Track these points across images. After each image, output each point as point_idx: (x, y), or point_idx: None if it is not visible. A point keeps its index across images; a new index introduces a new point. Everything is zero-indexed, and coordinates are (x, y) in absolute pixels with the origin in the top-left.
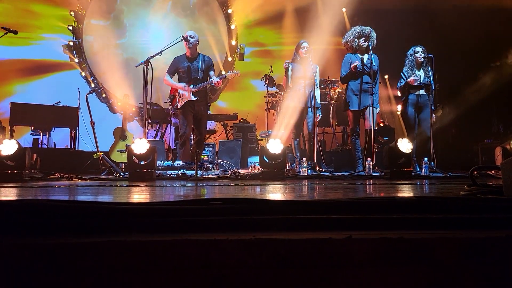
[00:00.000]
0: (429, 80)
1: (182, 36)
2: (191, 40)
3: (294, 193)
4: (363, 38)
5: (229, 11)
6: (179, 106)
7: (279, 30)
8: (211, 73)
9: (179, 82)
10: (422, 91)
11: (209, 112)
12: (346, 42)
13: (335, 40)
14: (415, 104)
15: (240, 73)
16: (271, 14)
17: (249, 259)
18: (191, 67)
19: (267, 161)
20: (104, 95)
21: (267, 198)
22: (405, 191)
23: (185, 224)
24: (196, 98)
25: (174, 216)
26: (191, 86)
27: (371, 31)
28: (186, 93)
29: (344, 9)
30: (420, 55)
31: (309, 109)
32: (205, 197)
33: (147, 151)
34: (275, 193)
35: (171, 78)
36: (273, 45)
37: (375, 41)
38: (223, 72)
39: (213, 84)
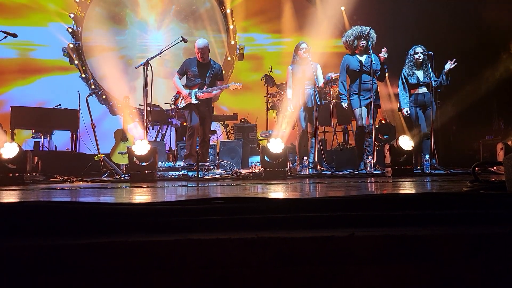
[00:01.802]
0: (429, 80)
1: (182, 37)
2: (203, 50)
3: (296, 191)
4: (363, 39)
5: (228, 11)
6: (179, 107)
7: (279, 29)
8: (218, 82)
9: (187, 83)
10: (423, 90)
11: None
12: (345, 42)
13: (335, 39)
14: (415, 103)
15: (240, 72)
16: (270, 13)
17: (252, 258)
18: (199, 72)
19: (268, 160)
20: (104, 97)
21: (269, 197)
22: (407, 188)
23: (187, 224)
24: (197, 102)
25: (175, 216)
26: (195, 90)
27: (370, 30)
28: (189, 97)
29: (343, 8)
30: (420, 56)
31: (311, 108)
32: (207, 197)
33: (148, 152)
34: (277, 192)
35: (180, 79)
36: (272, 44)
37: (375, 41)
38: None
39: (200, 94)
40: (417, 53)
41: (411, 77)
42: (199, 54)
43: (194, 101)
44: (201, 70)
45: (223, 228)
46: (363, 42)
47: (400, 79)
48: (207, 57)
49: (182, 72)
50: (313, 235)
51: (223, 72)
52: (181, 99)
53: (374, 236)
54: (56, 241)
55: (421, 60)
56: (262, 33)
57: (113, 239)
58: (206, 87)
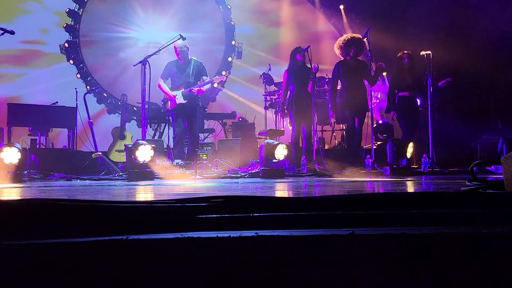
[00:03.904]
0: (417, 84)
1: (180, 35)
2: (182, 49)
3: (295, 190)
4: (354, 46)
5: (227, 8)
6: (170, 109)
7: (277, 27)
8: (203, 77)
9: (171, 85)
10: (410, 94)
11: (206, 110)
12: (338, 48)
13: (332, 37)
14: (403, 106)
15: (238, 70)
16: (269, 11)
17: (252, 257)
18: (182, 71)
19: (267, 159)
20: (102, 95)
21: (269, 196)
22: (406, 187)
23: (186, 222)
24: (186, 101)
25: (175, 215)
26: (182, 90)
27: (363, 37)
28: (177, 98)
29: (341, 6)
30: (406, 61)
31: (308, 109)
32: (206, 195)
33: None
34: (276, 190)
35: (165, 82)
36: (271, 42)
37: (368, 47)
38: (223, 73)
39: (186, 92)
40: (403, 58)
41: (400, 80)
42: (178, 54)
43: (182, 101)
44: (184, 70)
45: (223, 227)
46: (355, 49)
47: (389, 83)
48: (187, 56)
49: (166, 76)
50: (313, 234)
51: (205, 68)
52: (170, 102)
53: (374, 235)
54: (56, 240)
55: (408, 64)
56: (261, 31)
57: (112, 237)
58: (191, 85)
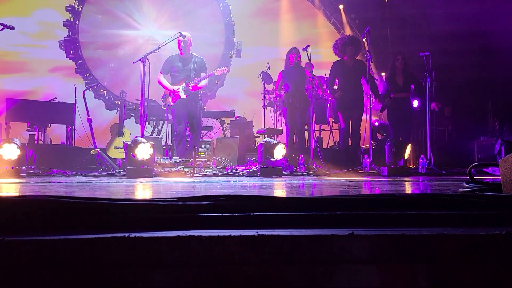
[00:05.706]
0: (408, 85)
1: (180, 32)
2: (184, 40)
3: (293, 189)
4: (350, 46)
5: (227, 6)
6: (172, 104)
7: (277, 26)
8: (203, 74)
9: (171, 80)
10: (402, 95)
11: (204, 108)
12: (335, 49)
13: (332, 36)
14: (395, 107)
15: (237, 69)
16: (269, 10)
17: (252, 256)
18: (183, 66)
19: (265, 158)
20: (101, 92)
21: (269, 195)
22: (405, 188)
23: (188, 221)
24: (186, 96)
25: (177, 213)
26: (182, 85)
27: (362, 37)
28: (179, 92)
29: (341, 6)
30: (400, 62)
31: (305, 108)
32: (207, 194)
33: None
34: (275, 189)
35: (164, 77)
36: (270, 41)
37: (365, 48)
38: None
39: (189, 86)
40: (397, 60)
41: (392, 82)
42: (181, 47)
43: (183, 95)
44: (185, 64)
45: (224, 226)
46: (352, 49)
47: (383, 83)
48: (189, 51)
49: (166, 70)
50: (313, 233)
51: (206, 65)
52: (170, 97)
53: (373, 236)
54: (57, 237)
55: (401, 66)
56: (261, 29)
57: (114, 235)
58: (192, 80)
